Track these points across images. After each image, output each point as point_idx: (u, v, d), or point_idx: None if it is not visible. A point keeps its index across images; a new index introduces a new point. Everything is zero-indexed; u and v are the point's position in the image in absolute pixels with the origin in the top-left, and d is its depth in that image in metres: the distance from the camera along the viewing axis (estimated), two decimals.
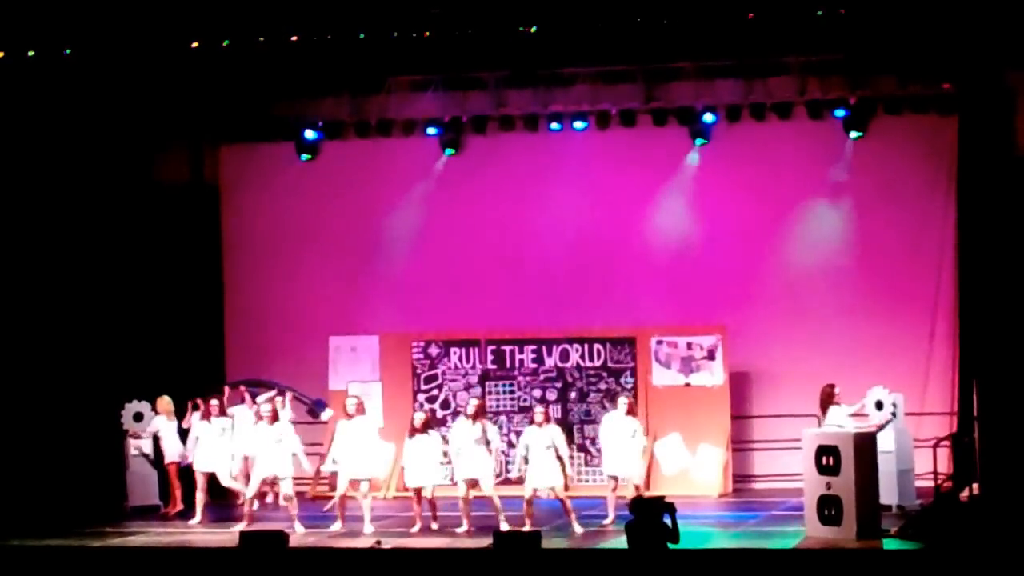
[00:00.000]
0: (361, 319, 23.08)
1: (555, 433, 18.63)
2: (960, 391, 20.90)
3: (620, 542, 17.57)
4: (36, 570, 16.40)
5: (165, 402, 21.24)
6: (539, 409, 18.96)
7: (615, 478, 19.17)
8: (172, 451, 21.07)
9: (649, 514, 13.21)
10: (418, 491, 19.01)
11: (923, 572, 15.33)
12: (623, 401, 19.45)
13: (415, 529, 18.78)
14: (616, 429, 19.23)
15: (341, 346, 22.80)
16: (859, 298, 22.04)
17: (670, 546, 13.15)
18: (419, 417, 19.22)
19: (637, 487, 18.98)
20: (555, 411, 22.04)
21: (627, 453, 19.06)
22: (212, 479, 20.26)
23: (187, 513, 20.37)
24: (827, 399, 19.66)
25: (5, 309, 22.13)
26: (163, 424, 21.19)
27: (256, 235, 23.82)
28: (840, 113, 21.96)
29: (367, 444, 19.07)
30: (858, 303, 22.02)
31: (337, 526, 18.90)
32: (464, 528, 18.71)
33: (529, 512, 18.49)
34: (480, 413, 19.05)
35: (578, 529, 18.20)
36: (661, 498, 13.57)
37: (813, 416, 20.70)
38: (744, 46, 21.28)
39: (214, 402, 20.37)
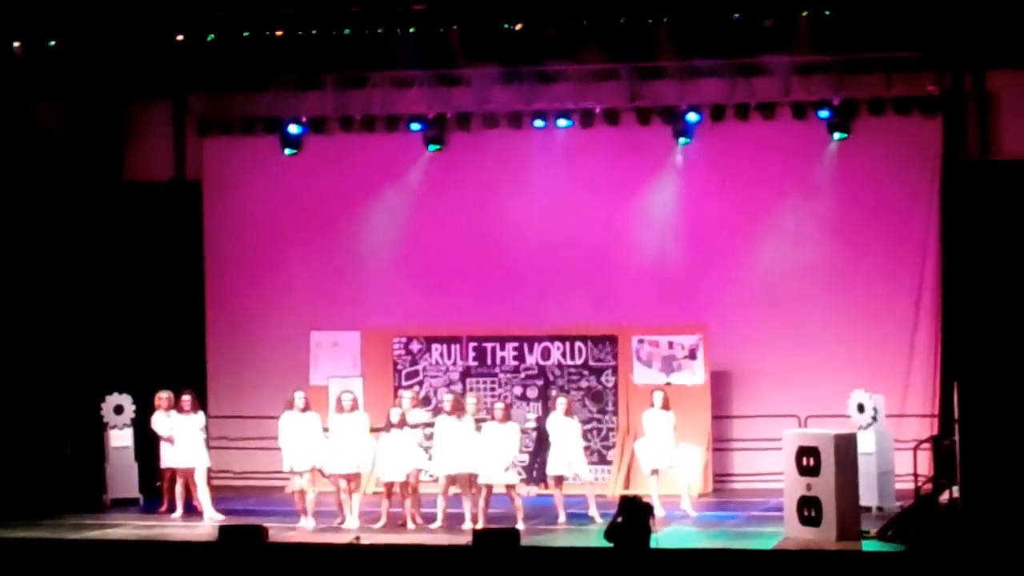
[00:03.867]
0: (343, 314, 23.02)
1: (513, 430, 18.71)
2: (941, 393, 20.96)
3: (569, 540, 17.70)
4: (13, 562, 16.31)
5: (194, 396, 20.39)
6: (499, 405, 19.00)
7: (560, 478, 19.28)
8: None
9: (635, 515, 13.22)
10: (389, 486, 19.03)
11: (902, 574, 15.34)
12: (562, 401, 19.66)
13: (379, 525, 18.83)
14: (556, 429, 19.38)
15: (322, 341, 22.72)
16: (841, 299, 22.04)
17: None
18: (395, 413, 19.21)
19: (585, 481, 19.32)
20: (536, 408, 22.07)
21: (568, 453, 19.23)
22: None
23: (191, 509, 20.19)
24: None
25: None
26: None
27: (238, 228, 23.73)
28: (824, 114, 21.94)
29: (357, 440, 19.07)
30: (840, 304, 22.02)
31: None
32: (438, 524, 18.80)
33: (484, 509, 18.56)
34: (457, 408, 19.09)
35: (521, 528, 18.18)
36: (637, 498, 13.61)
37: (794, 416, 20.76)
38: (729, 46, 21.31)
39: (186, 397, 20.27)
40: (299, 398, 19.41)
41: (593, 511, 19.04)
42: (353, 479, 19.11)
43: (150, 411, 20.71)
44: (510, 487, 18.72)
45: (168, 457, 20.30)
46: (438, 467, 19.05)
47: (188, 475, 20.17)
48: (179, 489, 20.18)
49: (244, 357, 23.30)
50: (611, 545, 13.55)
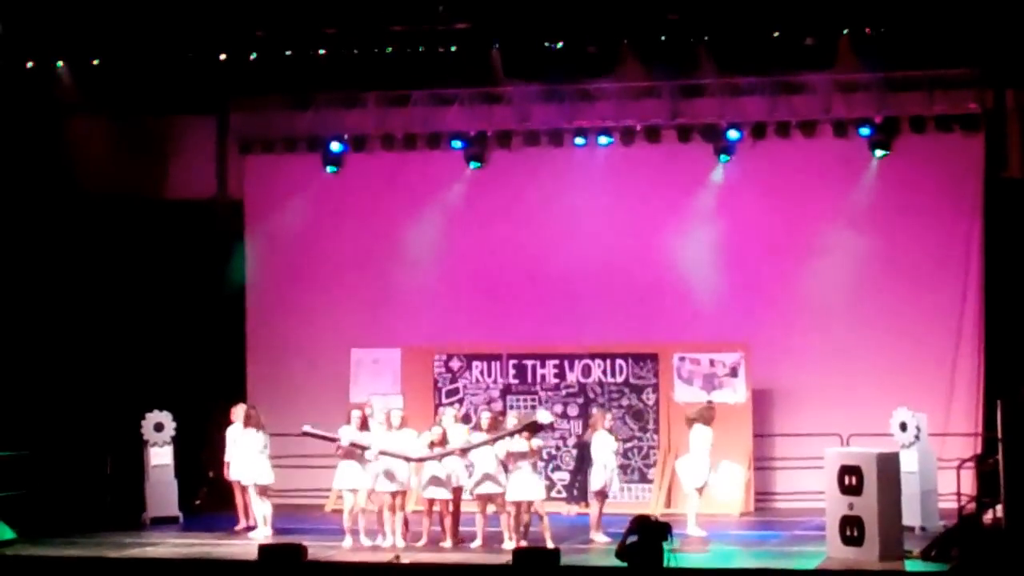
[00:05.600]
0: (383, 331, 23.04)
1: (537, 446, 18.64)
2: (985, 412, 20.81)
3: (608, 559, 17.58)
4: None
5: (254, 413, 20.22)
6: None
7: (603, 493, 19.16)
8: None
9: (649, 534, 13.17)
10: (430, 503, 19.01)
11: None
12: (607, 416, 19.54)
13: (420, 543, 18.75)
14: (596, 446, 19.27)
15: (363, 358, 22.75)
16: (883, 317, 21.92)
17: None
18: (436, 431, 19.17)
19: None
20: (576, 427, 22.02)
21: (610, 468, 19.13)
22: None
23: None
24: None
25: (30, 321, 22.27)
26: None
27: (279, 246, 23.82)
28: (865, 131, 21.89)
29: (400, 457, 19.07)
30: (882, 322, 21.90)
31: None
32: (478, 542, 18.71)
33: (517, 527, 18.40)
34: (494, 426, 19.03)
35: (550, 546, 18.08)
36: (650, 517, 13.59)
37: (836, 435, 20.64)
38: (770, 63, 21.27)
39: (251, 412, 20.24)
40: (356, 417, 19.22)
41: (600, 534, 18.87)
42: (399, 496, 19.06)
43: (193, 428, 20.78)
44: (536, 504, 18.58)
45: (233, 471, 20.36)
46: (473, 486, 18.98)
47: (243, 488, 20.18)
48: (239, 500, 20.21)
49: (284, 374, 23.35)
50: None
